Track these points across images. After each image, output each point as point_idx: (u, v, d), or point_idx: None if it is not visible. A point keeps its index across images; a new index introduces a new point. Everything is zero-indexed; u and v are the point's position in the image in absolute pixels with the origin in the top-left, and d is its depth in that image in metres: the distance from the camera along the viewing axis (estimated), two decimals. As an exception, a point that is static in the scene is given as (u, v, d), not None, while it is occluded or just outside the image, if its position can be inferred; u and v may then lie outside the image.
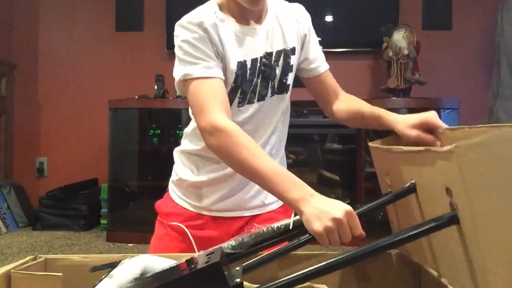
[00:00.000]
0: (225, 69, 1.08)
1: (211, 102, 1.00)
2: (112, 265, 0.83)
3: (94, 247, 2.86)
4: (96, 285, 0.78)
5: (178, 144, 1.29)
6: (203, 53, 1.04)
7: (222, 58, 1.07)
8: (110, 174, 3.16)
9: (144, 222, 2.77)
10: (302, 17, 1.19)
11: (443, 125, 0.90)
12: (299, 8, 1.20)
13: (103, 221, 3.29)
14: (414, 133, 0.94)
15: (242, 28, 1.10)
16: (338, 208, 0.81)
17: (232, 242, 0.86)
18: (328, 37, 3.49)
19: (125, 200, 3.21)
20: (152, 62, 3.58)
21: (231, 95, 1.09)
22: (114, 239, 3.03)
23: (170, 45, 3.44)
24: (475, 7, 3.46)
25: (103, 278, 0.80)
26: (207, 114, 0.99)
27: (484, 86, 3.31)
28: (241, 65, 1.09)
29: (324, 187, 3.18)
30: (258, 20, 1.13)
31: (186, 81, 1.04)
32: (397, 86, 3.09)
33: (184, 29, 1.06)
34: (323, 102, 1.24)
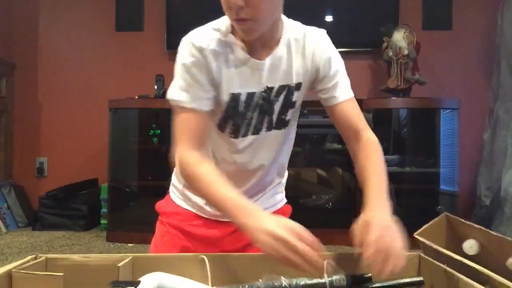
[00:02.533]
0: (218, 97, 1.06)
1: (183, 135, 1.02)
2: (133, 285, 0.83)
3: (94, 247, 2.86)
4: None
5: (178, 144, 1.29)
6: (195, 80, 1.02)
7: (216, 86, 1.04)
8: (110, 174, 3.16)
9: (144, 222, 2.77)
10: (318, 48, 1.08)
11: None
12: (318, 37, 1.09)
13: (103, 221, 3.29)
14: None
15: (247, 60, 1.04)
16: (279, 225, 0.81)
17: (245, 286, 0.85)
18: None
19: (125, 200, 3.21)
20: (152, 62, 3.58)
21: (223, 123, 1.09)
22: (114, 239, 3.03)
23: (170, 45, 3.48)
24: (475, 7, 3.46)
25: None
26: (177, 146, 1.02)
27: (484, 86, 3.31)
28: (234, 97, 1.05)
29: (323, 187, 3.18)
30: (267, 48, 1.06)
31: (174, 104, 1.05)
32: (397, 86, 3.09)
33: (186, 50, 1.03)
34: (343, 138, 1.12)
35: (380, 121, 3.14)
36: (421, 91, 3.17)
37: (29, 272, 0.84)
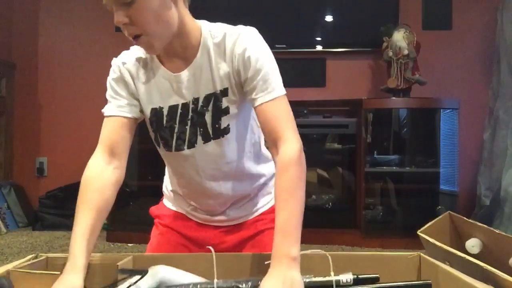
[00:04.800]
0: (144, 113, 1.10)
1: (99, 143, 1.06)
2: (141, 273, 0.83)
3: (94, 247, 2.86)
4: None
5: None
6: (116, 93, 1.07)
7: (137, 101, 1.08)
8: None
9: (144, 222, 2.76)
10: (237, 48, 1.01)
11: None
12: (236, 37, 1.02)
13: (103, 221, 3.29)
14: None
15: (165, 73, 1.05)
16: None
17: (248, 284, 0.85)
18: (328, 37, 3.49)
19: (125, 200, 3.20)
20: (152, 62, 3.57)
21: (155, 138, 1.12)
22: (114, 239, 3.03)
23: (170, 45, 3.46)
24: (475, 7, 3.46)
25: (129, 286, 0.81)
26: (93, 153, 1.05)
27: (484, 86, 3.31)
28: (156, 111, 1.07)
29: (324, 187, 3.18)
30: (185, 58, 1.04)
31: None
32: (397, 86, 3.09)
33: (111, 67, 1.09)
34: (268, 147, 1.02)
35: (380, 121, 3.13)
36: (421, 91, 3.17)
37: (27, 271, 0.84)
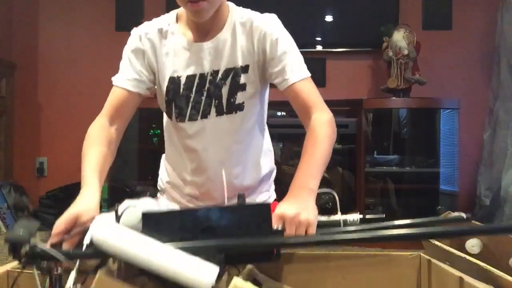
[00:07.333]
0: (158, 82, 1.13)
1: (104, 108, 1.13)
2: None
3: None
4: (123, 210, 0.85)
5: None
6: (130, 64, 1.11)
7: (155, 71, 1.12)
8: (110, 174, 3.13)
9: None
10: (265, 30, 1.09)
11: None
12: (265, 19, 1.11)
13: (103, 221, 3.29)
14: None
15: (188, 44, 1.10)
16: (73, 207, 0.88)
17: None
18: (328, 37, 3.49)
19: (125, 200, 3.20)
20: (152, 62, 3.57)
21: (168, 109, 1.14)
22: (114, 239, 3.03)
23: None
24: (475, 7, 3.46)
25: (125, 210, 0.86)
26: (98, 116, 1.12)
27: (484, 86, 3.31)
28: (173, 80, 1.11)
29: (323, 187, 3.17)
30: (212, 33, 1.10)
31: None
32: (397, 86, 3.09)
33: (130, 37, 1.14)
34: (301, 121, 1.10)
35: (380, 121, 3.14)
36: (421, 91, 3.17)
37: (26, 271, 0.84)
